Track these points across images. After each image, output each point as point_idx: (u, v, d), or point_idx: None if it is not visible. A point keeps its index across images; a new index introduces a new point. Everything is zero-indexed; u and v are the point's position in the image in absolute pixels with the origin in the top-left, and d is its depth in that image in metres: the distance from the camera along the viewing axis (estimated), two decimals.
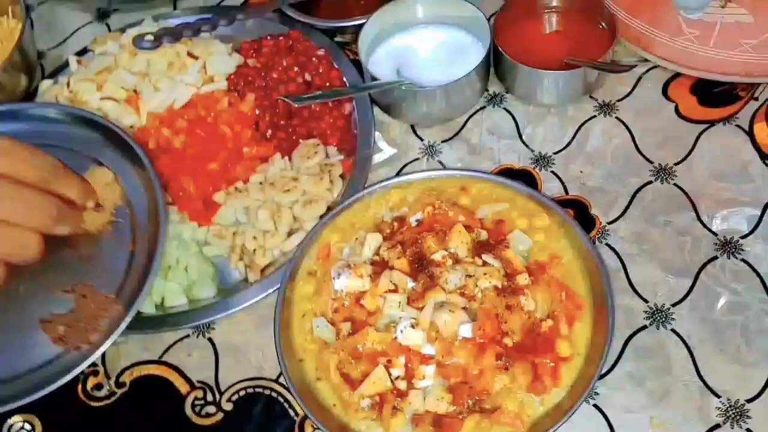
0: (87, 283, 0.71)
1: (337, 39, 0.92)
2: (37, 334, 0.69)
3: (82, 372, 0.70)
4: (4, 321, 0.71)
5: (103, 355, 0.74)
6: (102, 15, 1.03)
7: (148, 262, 0.71)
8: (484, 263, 0.68)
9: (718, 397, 0.65)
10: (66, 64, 0.93)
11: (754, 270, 0.70)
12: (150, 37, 0.84)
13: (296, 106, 0.76)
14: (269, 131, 0.84)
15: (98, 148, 0.78)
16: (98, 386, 0.73)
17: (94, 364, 0.74)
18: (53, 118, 0.81)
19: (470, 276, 0.67)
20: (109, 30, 1.00)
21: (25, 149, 0.65)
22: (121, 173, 0.77)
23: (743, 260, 0.71)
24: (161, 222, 0.73)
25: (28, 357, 0.69)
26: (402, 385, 0.64)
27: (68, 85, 0.87)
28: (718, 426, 0.63)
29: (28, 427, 0.72)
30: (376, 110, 0.86)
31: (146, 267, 0.71)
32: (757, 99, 0.81)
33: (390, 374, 0.64)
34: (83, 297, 0.70)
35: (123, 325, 0.68)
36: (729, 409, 0.64)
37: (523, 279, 0.67)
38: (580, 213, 0.76)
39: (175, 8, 1.01)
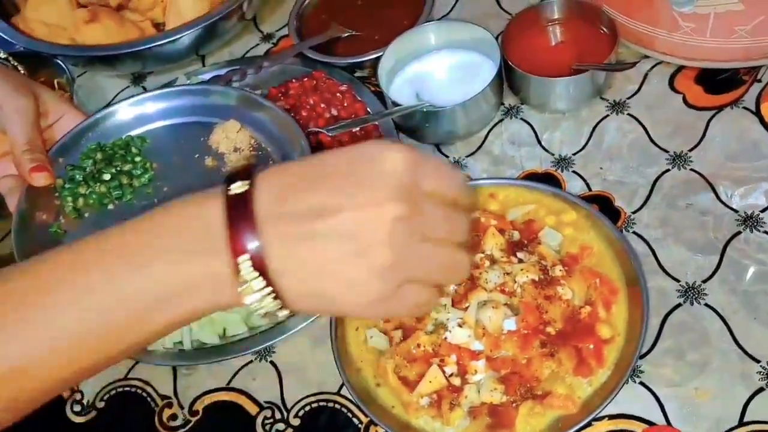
0: None
1: (357, 74, 0.99)
2: None
3: (157, 405, 0.77)
4: None
5: (175, 387, 0.80)
6: (137, 78, 1.11)
7: None
8: (520, 260, 0.72)
9: (758, 362, 0.68)
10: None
11: None
12: None
13: (330, 135, 0.83)
14: None
15: (225, 111, 0.92)
16: (173, 416, 0.78)
17: (167, 397, 0.79)
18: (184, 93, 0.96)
19: (508, 273, 0.71)
20: (146, 91, 1.08)
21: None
22: (251, 124, 0.90)
23: (766, 232, 0.75)
24: (301, 140, 0.84)
25: None
26: (456, 381, 0.68)
27: None
28: (761, 390, 0.67)
29: None
30: (402, 135, 0.91)
31: None
32: (760, 81, 0.85)
33: (444, 372, 0.68)
34: None
35: None
36: None
37: (558, 271, 0.71)
38: (604, 206, 0.80)
39: (203, 65, 1.09)
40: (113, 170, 0.89)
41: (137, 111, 0.95)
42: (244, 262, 0.45)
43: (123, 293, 0.47)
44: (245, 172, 0.47)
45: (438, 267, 0.48)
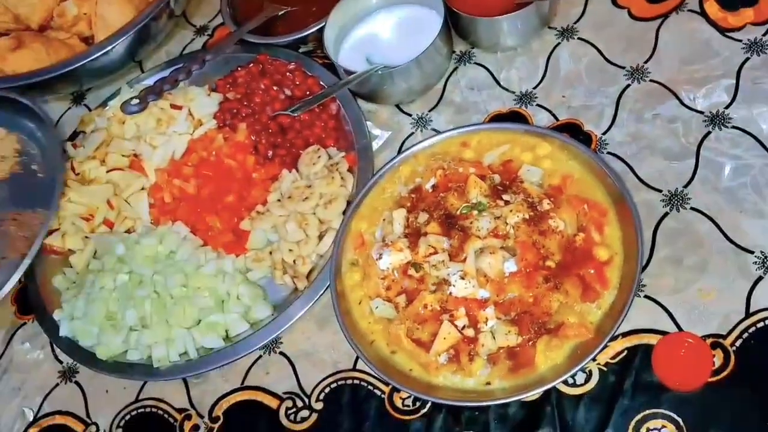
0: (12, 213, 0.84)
1: (302, 50, 0.97)
2: None
3: (176, 420, 0.76)
4: None
5: (190, 398, 0.79)
6: (78, 98, 1.07)
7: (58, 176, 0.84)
8: (506, 202, 0.73)
9: (752, 252, 0.70)
10: (63, 151, 0.97)
11: (746, 132, 0.75)
12: (136, 100, 0.89)
13: (295, 116, 0.81)
14: (270, 152, 0.89)
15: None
16: (195, 427, 0.77)
17: (185, 409, 0.78)
18: None
19: (498, 217, 0.72)
20: (89, 109, 1.04)
21: None
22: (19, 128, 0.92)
23: (734, 127, 0.76)
24: (55, 146, 0.87)
25: None
26: (470, 332, 0.69)
27: (73, 169, 0.92)
28: (760, 278, 0.68)
29: None
30: (361, 102, 0.90)
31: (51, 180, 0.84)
32: None
33: (456, 326, 0.69)
34: (14, 220, 0.83)
35: (47, 222, 0.80)
36: (765, 260, 0.69)
37: (545, 204, 0.72)
38: (575, 133, 0.80)
39: (142, 71, 1.05)
40: None
41: None
42: None
43: None
44: None
45: None
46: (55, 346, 0.87)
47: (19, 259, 0.79)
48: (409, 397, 0.72)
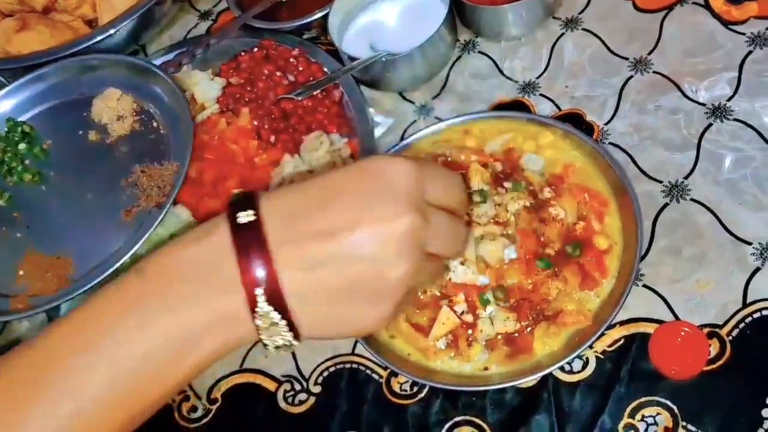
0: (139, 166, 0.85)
1: (306, 36, 0.97)
2: (119, 222, 0.82)
3: (174, 401, 0.76)
4: (92, 222, 0.84)
5: None
6: None
7: (184, 131, 0.85)
8: (507, 190, 0.73)
9: (750, 244, 0.70)
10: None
11: (747, 124, 0.76)
12: None
13: (299, 99, 0.81)
14: (272, 137, 0.89)
15: (111, 80, 0.94)
16: (193, 408, 0.78)
17: (184, 391, 0.79)
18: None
19: (499, 205, 0.72)
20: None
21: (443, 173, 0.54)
22: (136, 90, 0.92)
23: (735, 119, 0.76)
24: (181, 101, 0.86)
25: (119, 239, 0.80)
26: (468, 318, 0.69)
27: None
28: (758, 269, 0.69)
29: None
30: (364, 89, 0.90)
31: (183, 134, 0.84)
32: None
33: (455, 312, 0.69)
34: (143, 173, 0.83)
35: (182, 175, 0.81)
36: (763, 251, 0.69)
37: (546, 193, 0.72)
38: (577, 123, 0.81)
39: (146, 54, 1.06)
40: None
41: (12, 100, 0.96)
42: (260, 295, 0.43)
43: (146, 347, 0.44)
44: (248, 200, 0.45)
45: (438, 270, 0.55)
46: None
47: (153, 206, 0.81)
48: (407, 381, 0.73)
